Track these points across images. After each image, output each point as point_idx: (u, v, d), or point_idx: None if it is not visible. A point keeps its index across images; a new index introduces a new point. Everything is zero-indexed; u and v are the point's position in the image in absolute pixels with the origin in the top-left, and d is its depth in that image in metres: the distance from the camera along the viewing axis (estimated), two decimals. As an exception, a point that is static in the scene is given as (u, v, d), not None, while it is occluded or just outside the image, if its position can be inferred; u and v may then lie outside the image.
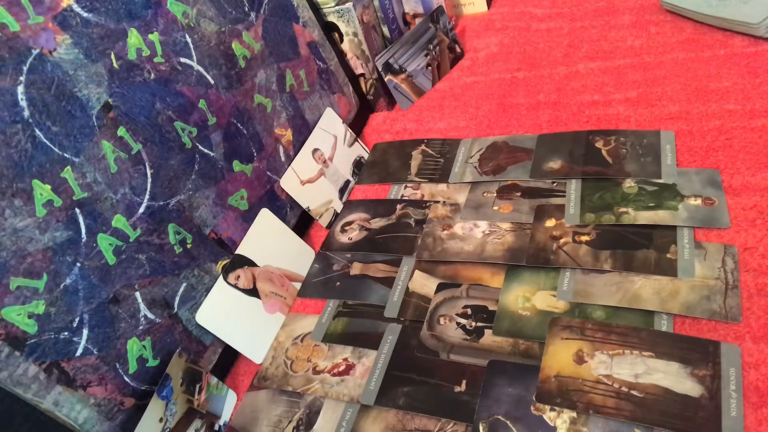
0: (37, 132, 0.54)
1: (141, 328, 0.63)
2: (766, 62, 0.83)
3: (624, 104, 0.86)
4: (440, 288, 0.72)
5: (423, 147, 0.93)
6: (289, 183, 0.84)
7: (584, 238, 0.70)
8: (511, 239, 0.73)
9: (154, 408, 0.60)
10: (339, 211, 0.89)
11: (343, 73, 0.97)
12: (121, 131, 0.61)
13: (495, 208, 0.79)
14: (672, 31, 0.96)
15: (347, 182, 0.92)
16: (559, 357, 0.60)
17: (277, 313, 0.76)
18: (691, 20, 0.96)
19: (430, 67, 1.04)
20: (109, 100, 0.60)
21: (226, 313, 0.71)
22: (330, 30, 0.95)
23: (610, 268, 0.66)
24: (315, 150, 0.88)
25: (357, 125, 1.01)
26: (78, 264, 0.57)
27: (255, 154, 0.79)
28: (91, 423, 0.57)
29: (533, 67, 1.00)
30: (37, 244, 0.54)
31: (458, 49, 1.09)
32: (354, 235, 0.83)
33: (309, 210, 0.86)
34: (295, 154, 0.86)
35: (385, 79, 1.00)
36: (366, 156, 0.97)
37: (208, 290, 0.70)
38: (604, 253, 0.68)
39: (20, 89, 0.53)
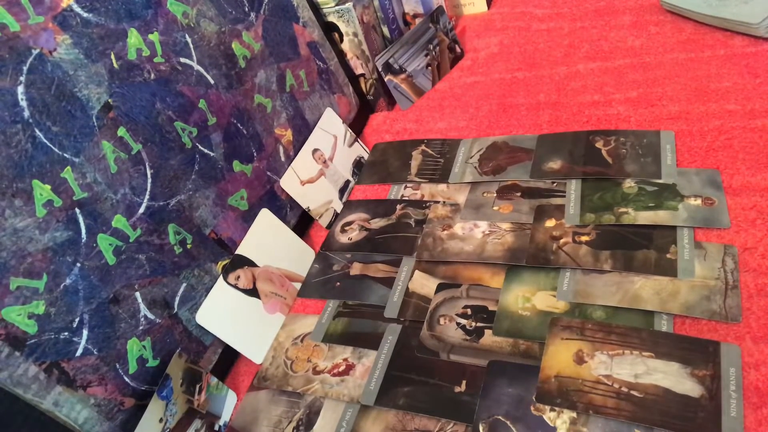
0: (37, 132, 0.54)
1: (141, 328, 0.63)
2: (766, 62, 0.83)
3: (624, 104, 0.86)
4: (440, 288, 0.72)
5: (423, 147, 0.93)
6: (289, 183, 0.84)
7: (584, 238, 0.70)
8: (511, 239, 0.73)
9: (154, 408, 0.60)
10: (339, 211, 0.89)
11: (343, 73, 0.97)
12: (121, 131, 0.61)
13: (495, 208, 0.79)
14: (672, 31, 0.96)
15: (347, 182, 0.92)
16: (559, 357, 0.60)
17: (277, 313, 0.76)
18: (691, 20, 0.96)
19: (430, 67, 1.04)
20: (109, 100, 0.60)
21: (226, 314, 0.71)
22: (330, 30, 0.95)
23: (610, 269, 0.66)
24: (315, 150, 0.88)
25: (357, 125, 1.01)
26: (78, 264, 0.57)
27: (255, 154, 0.79)
28: (91, 423, 0.57)
29: (533, 67, 1.00)
30: (37, 245, 0.54)
31: (458, 49, 1.09)
32: (354, 235, 0.83)
33: (309, 210, 0.86)
34: (295, 154, 0.86)
35: (385, 79, 1.00)
36: (366, 156, 0.97)
37: (208, 290, 0.70)
38: (604, 253, 0.68)
39: (20, 89, 0.53)
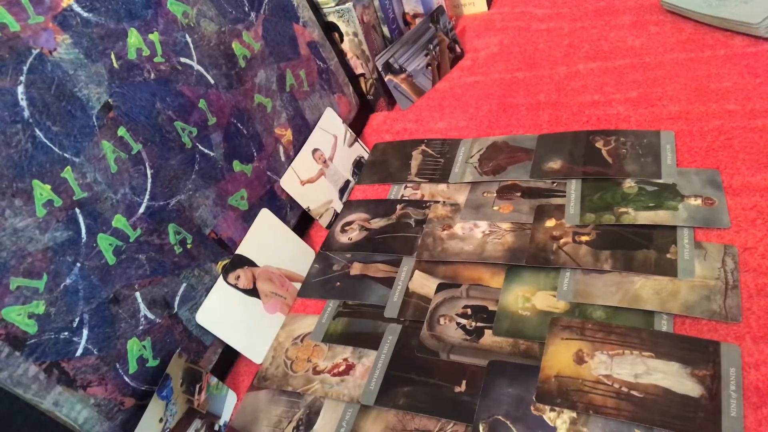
0: (38, 132, 0.54)
1: (141, 328, 0.63)
2: (766, 62, 0.83)
3: (624, 104, 0.86)
4: (440, 288, 0.72)
5: (423, 147, 0.93)
6: (289, 183, 0.84)
7: (584, 238, 0.70)
8: (511, 239, 0.73)
9: (154, 408, 0.60)
10: (339, 211, 0.89)
11: (343, 73, 0.97)
12: (121, 131, 0.61)
13: (495, 208, 0.79)
14: (672, 31, 0.96)
15: (347, 182, 0.92)
16: (559, 357, 0.60)
17: (277, 313, 0.76)
18: (691, 20, 0.96)
19: (430, 67, 1.04)
20: (109, 100, 0.60)
21: (226, 313, 0.71)
22: (330, 30, 0.95)
23: (610, 269, 0.66)
24: (315, 150, 0.88)
25: (357, 125, 1.01)
26: (78, 264, 0.57)
27: (255, 154, 0.79)
28: (91, 423, 0.57)
29: (533, 67, 1.00)
30: (37, 244, 0.54)
31: (458, 49, 1.09)
32: (354, 235, 0.83)
33: (309, 210, 0.86)
34: (295, 154, 0.86)
35: (385, 79, 1.00)
36: (366, 156, 0.97)
37: (208, 290, 0.70)
38: (604, 253, 0.68)
39: (20, 89, 0.53)
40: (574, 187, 0.77)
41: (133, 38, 0.63)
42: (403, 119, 1.01)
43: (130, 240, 0.62)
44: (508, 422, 0.57)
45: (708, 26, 0.93)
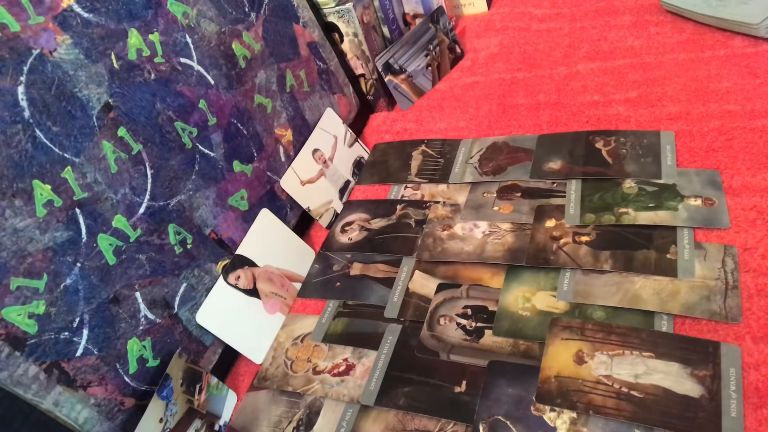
0: (38, 132, 0.54)
1: (141, 328, 0.63)
2: (766, 62, 0.83)
3: (624, 104, 0.86)
4: (440, 288, 0.72)
5: (423, 147, 0.93)
6: (289, 183, 0.84)
7: (584, 238, 0.70)
8: (511, 239, 0.73)
9: (154, 408, 0.60)
10: (339, 211, 0.89)
11: (343, 73, 0.97)
12: (121, 131, 0.61)
13: (495, 208, 0.79)
14: (672, 31, 0.96)
15: (347, 182, 0.92)
16: (559, 357, 0.60)
17: (277, 313, 0.76)
18: (691, 20, 0.96)
19: (430, 68, 1.04)
20: (110, 101, 0.60)
21: (226, 314, 0.71)
22: (330, 30, 0.95)
23: (610, 269, 0.66)
24: (315, 150, 0.88)
25: (357, 125, 1.01)
26: (78, 264, 0.57)
27: (255, 155, 0.79)
28: (92, 423, 0.57)
29: (533, 68, 1.00)
30: (37, 244, 0.54)
31: (458, 50, 1.09)
32: (354, 235, 0.84)
33: (309, 210, 0.86)
34: (296, 155, 0.86)
35: (385, 80, 1.00)
36: (366, 156, 0.97)
37: (208, 290, 0.70)
38: (604, 253, 0.68)
39: (21, 89, 0.53)
40: (574, 188, 0.77)
41: (134, 38, 0.63)
42: (403, 119, 1.01)
43: (130, 240, 0.62)
44: (508, 422, 0.57)
45: (708, 26, 0.93)
